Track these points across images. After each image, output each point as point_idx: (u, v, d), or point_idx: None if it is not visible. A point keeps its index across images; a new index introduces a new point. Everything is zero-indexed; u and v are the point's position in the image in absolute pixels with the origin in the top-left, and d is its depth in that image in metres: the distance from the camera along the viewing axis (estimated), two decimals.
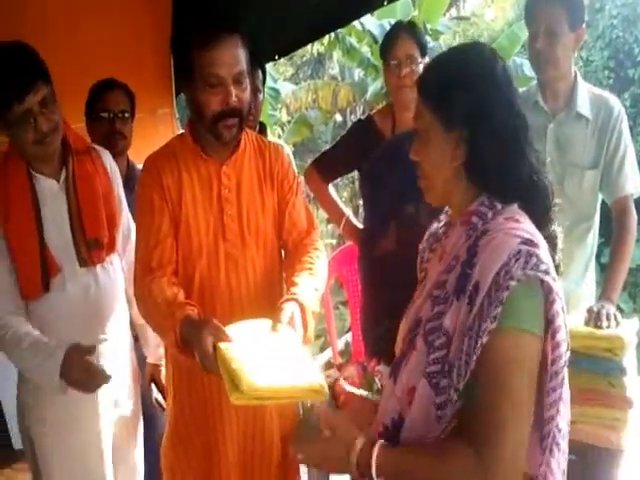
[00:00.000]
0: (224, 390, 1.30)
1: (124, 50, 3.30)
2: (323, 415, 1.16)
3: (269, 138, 2.42)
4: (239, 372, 1.24)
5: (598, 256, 2.30)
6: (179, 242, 1.65)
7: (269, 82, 6.05)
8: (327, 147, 2.75)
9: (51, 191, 1.74)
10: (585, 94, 2.11)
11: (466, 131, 1.11)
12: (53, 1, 3.08)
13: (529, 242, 1.06)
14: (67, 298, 1.73)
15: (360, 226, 2.56)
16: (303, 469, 1.96)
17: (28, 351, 1.62)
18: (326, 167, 2.54)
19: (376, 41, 6.90)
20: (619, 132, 2.08)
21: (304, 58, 12.67)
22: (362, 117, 2.60)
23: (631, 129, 2.22)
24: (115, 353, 1.84)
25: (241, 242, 1.67)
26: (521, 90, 1.85)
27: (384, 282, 2.31)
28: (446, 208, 1.31)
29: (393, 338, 1.31)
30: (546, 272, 1.05)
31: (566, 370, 1.11)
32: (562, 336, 1.08)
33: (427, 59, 2.31)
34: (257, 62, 2.39)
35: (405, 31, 2.32)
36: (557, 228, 1.19)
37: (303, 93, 9.29)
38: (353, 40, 7.96)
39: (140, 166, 1.79)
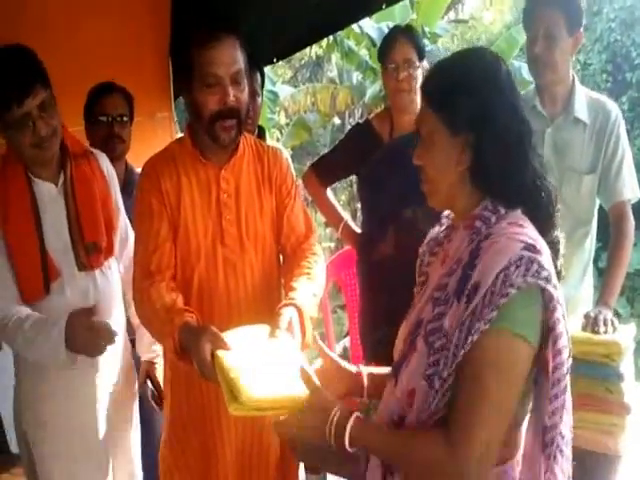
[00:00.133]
0: (222, 396, 1.29)
1: (123, 51, 3.30)
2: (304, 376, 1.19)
3: (268, 142, 2.42)
4: (237, 382, 1.23)
5: (596, 260, 2.30)
6: (178, 246, 1.65)
7: (267, 85, 6.05)
8: (326, 150, 2.75)
9: (50, 195, 1.74)
10: (583, 98, 2.11)
11: (472, 136, 1.11)
12: (53, 1, 3.08)
13: (532, 247, 1.06)
14: (66, 302, 1.72)
15: (358, 230, 2.57)
16: (301, 472, 1.96)
17: (31, 329, 1.62)
18: (324, 171, 2.54)
19: (374, 44, 6.90)
20: (617, 137, 2.08)
21: (302, 61, 12.68)
22: (360, 121, 2.61)
23: (628, 133, 2.22)
24: (112, 357, 1.83)
25: (240, 247, 1.67)
26: None
27: (382, 286, 2.31)
28: (446, 212, 1.31)
29: (392, 342, 1.31)
30: (547, 279, 1.05)
31: (568, 377, 1.11)
32: (564, 343, 1.08)
33: (425, 63, 2.31)
34: (256, 65, 2.39)
35: (403, 35, 2.32)
36: (560, 234, 1.19)
37: (302, 96, 9.29)
38: (351, 43, 7.96)
39: (139, 170, 1.79)
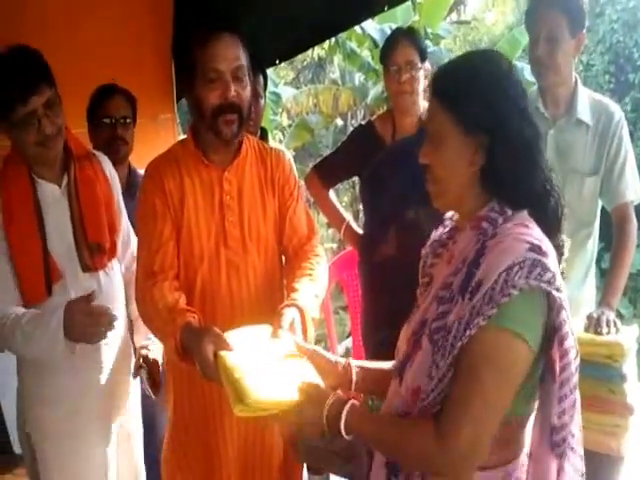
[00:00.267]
0: (224, 396, 1.29)
1: (125, 51, 3.30)
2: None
3: (270, 143, 2.43)
4: (243, 383, 1.23)
5: (598, 261, 2.30)
6: (181, 247, 1.65)
7: (270, 86, 6.05)
8: (328, 151, 2.77)
9: (53, 196, 1.75)
10: (585, 100, 2.11)
11: (486, 137, 1.11)
12: (53, 1, 3.08)
13: (537, 248, 1.06)
14: None
15: (360, 231, 2.57)
16: (305, 473, 1.96)
17: (29, 323, 1.60)
18: (327, 172, 2.55)
19: (377, 45, 6.91)
20: (619, 138, 2.08)
21: (305, 62, 12.68)
22: (362, 122, 2.61)
23: (631, 134, 2.22)
24: (115, 358, 1.83)
25: (242, 248, 1.67)
26: None
27: (384, 287, 2.31)
28: (449, 214, 1.30)
29: (394, 344, 1.31)
30: (549, 282, 1.05)
31: (577, 377, 1.12)
32: (570, 343, 1.09)
33: (427, 64, 2.32)
34: (258, 67, 2.40)
35: (404, 37, 2.32)
36: (565, 237, 1.19)
37: (304, 97, 9.29)
38: (354, 44, 7.98)
39: (142, 172, 1.79)
